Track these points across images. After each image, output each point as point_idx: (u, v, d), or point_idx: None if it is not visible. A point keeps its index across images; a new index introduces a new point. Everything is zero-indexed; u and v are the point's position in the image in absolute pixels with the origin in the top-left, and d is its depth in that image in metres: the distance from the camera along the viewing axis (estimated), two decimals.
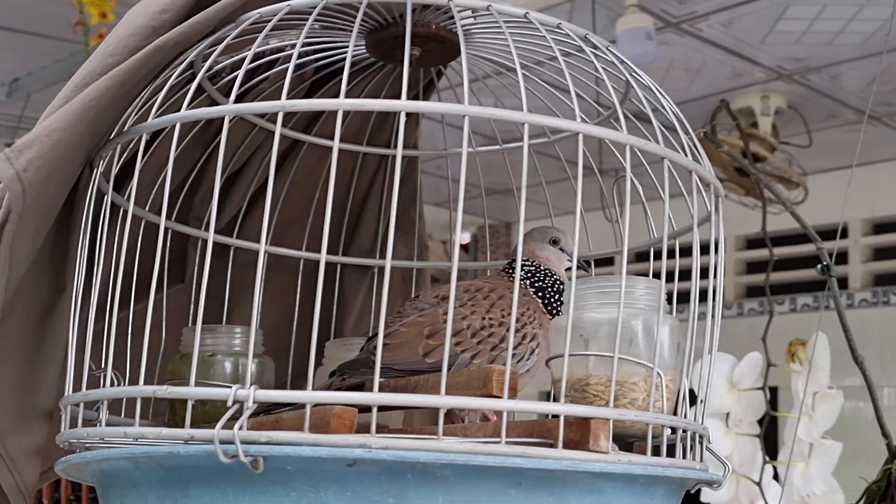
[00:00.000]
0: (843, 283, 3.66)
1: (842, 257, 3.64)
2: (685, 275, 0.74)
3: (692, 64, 2.79)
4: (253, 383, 0.61)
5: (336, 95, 0.66)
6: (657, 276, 0.73)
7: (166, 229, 0.91)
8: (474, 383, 0.68)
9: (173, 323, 0.92)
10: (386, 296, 0.62)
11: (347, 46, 0.71)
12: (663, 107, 0.78)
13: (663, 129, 0.75)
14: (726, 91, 2.95)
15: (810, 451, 1.21)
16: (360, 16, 0.73)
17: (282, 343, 1.00)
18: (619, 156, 0.70)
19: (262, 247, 0.64)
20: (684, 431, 0.72)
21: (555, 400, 0.71)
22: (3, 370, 0.79)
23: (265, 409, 0.73)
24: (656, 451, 0.69)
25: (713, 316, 0.76)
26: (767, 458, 1.23)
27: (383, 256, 1.05)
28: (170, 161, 0.70)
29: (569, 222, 0.86)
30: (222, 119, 0.67)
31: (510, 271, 0.88)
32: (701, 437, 0.74)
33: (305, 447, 0.59)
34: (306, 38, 0.84)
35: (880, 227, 3.68)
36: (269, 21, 0.74)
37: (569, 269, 0.89)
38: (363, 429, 0.61)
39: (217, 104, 0.87)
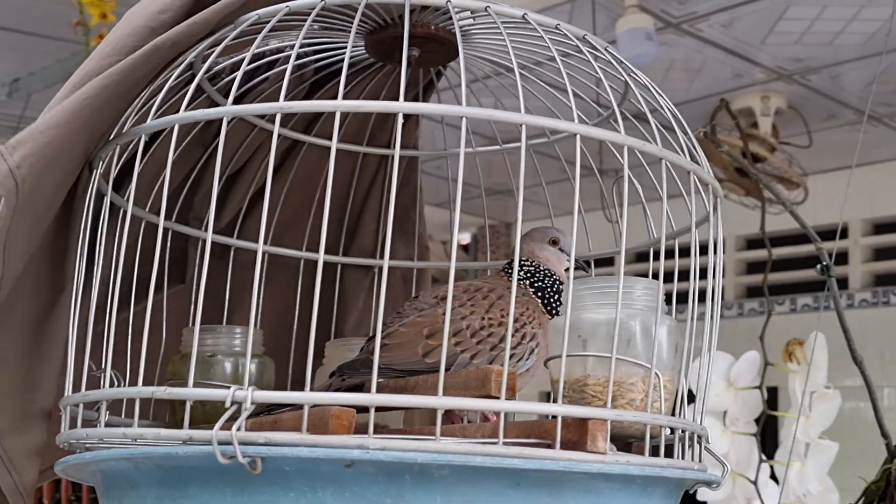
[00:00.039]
0: (843, 283, 3.66)
1: (842, 257, 3.64)
2: (686, 275, 0.74)
3: (692, 64, 2.79)
4: (253, 384, 0.61)
5: (336, 96, 0.66)
6: (657, 276, 0.74)
7: (167, 230, 0.91)
8: (473, 384, 0.68)
9: (174, 323, 0.92)
10: (384, 296, 0.62)
11: (347, 47, 0.71)
12: (662, 107, 0.79)
13: (662, 129, 0.75)
14: (726, 91, 2.95)
15: (807, 451, 1.21)
16: (358, 16, 0.73)
17: (283, 343, 1.00)
18: (618, 156, 0.70)
19: (260, 247, 0.64)
20: (683, 432, 0.72)
21: (553, 400, 0.71)
22: (2, 370, 0.79)
23: (265, 409, 0.74)
24: (655, 452, 0.69)
25: (712, 317, 0.76)
26: (764, 457, 1.23)
27: (384, 257, 1.05)
28: (168, 162, 0.70)
29: (569, 222, 0.86)
30: (222, 120, 0.68)
31: (510, 271, 0.88)
32: (699, 437, 0.74)
33: (303, 448, 0.59)
34: (307, 38, 0.85)
35: (880, 228, 3.68)
36: (268, 22, 0.74)
37: (568, 269, 0.90)
38: (363, 429, 0.61)
39: (217, 105, 0.87)
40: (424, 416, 0.87)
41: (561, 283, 0.87)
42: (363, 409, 0.63)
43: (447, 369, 0.75)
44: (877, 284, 3.66)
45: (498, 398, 0.65)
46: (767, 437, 1.28)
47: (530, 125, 0.66)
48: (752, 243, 3.93)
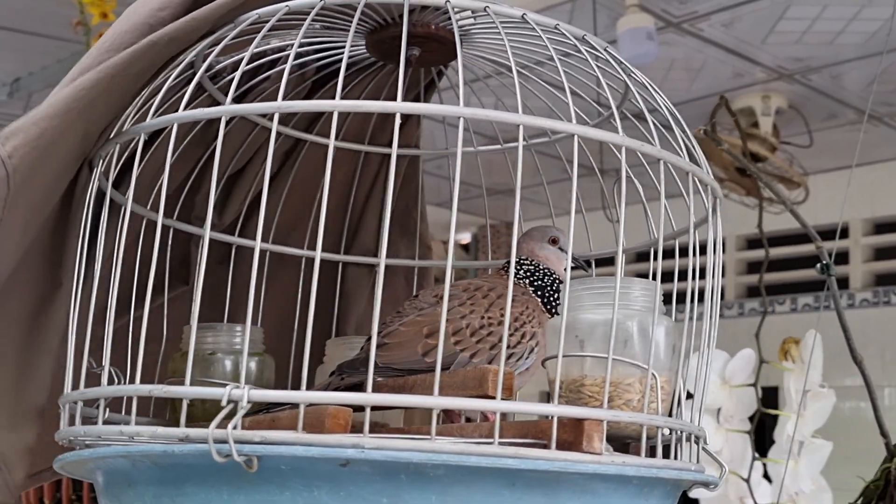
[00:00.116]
0: (843, 283, 3.66)
1: (843, 257, 3.64)
2: (686, 275, 0.74)
3: (693, 64, 2.79)
4: (252, 382, 0.61)
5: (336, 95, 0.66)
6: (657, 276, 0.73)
7: (170, 229, 0.91)
8: (470, 383, 0.68)
9: (177, 323, 0.92)
10: (380, 295, 0.62)
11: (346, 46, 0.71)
12: (661, 106, 0.78)
13: (662, 129, 0.75)
14: (727, 91, 2.95)
15: (800, 450, 1.21)
16: (357, 16, 0.73)
17: (285, 343, 1.00)
18: (618, 156, 0.70)
19: (258, 245, 0.64)
20: (680, 432, 0.72)
21: (550, 401, 0.71)
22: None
23: (265, 407, 0.74)
24: (653, 453, 0.69)
25: (710, 317, 0.76)
26: (757, 455, 1.23)
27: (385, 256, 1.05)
28: (167, 160, 0.70)
29: (569, 222, 0.86)
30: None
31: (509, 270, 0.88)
32: (697, 437, 0.74)
33: (299, 447, 0.59)
34: (309, 38, 0.85)
35: (881, 227, 3.68)
36: (268, 21, 0.74)
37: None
38: (362, 428, 0.61)
39: (218, 103, 0.87)
40: (424, 414, 0.87)
41: (561, 283, 0.87)
42: (362, 408, 0.64)
43: (447, 368, 0.75)
44: (877, 284, 3.66)
45: (495, 398, 0.65)
46: (761, 434, 1.28)
47: (529, 125, 0.66)
48: (753, 243, 3.93)
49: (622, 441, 0.73)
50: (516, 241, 0.67)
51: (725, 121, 2.62)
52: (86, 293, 0.77)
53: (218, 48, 0.77)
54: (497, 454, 0.60)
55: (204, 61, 0.77)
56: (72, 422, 0.73)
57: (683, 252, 0.79)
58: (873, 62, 2.68)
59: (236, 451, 0.59)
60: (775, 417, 1.27)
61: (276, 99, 0.66)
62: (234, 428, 0.59)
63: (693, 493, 0.75)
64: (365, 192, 1.09)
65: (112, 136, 0.77)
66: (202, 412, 0.80)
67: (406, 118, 1.05)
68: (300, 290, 1.01)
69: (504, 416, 0.63)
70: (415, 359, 0.77)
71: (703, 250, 0.75)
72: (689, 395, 0.78)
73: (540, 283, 0.87)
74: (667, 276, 0.72)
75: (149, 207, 0.87)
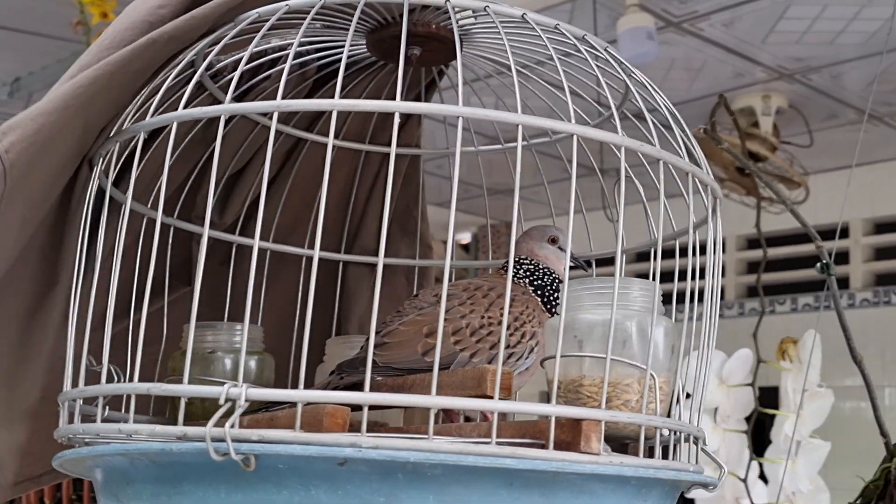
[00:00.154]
0: (844, 282, 3.65)
1: (843, 257, 3.64)
2: (686, 275, 0.74)
3: (693, 63, 2.79)
4: (251, 381, 0.61)
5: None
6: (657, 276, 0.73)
7: (171, 228, 0.91)
8: (469, 383, 0.68)
9: (178, 322, 0.92)
10: (378, 294, 0.62)
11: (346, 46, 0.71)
12: (661, 106, 0.78)
13: (662, 129, 0.75)
14: (727, 91, 2.95)
15: (798, 449, 1.21)
16: (357, 15, 0.73)
17: (286, 342, 1.00)
18: (619, 156, 0.70)
19: (257, 243, 0.64)
20: (678, 433, 0.72)
21: (549, 401, 0.71)
22: None
23: (264, 406, 0.74)
24: (651, 453, 0.69)
25: (710, 317, 0.76)
26: (753, 455, 1.23)
27: (385, 255, 1.05)
28: (167, 159, 0.70)
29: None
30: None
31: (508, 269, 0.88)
32: (696, 438, 0.74)
33: (296, 446, 0.59)
34: (309, 37, 0.85)
35: (881, 227, 3.67)
36: (268, 20, 0.74)
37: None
38: (360, 427, 0.61)
39: (219, 102, 0.87)
40: (424, 414, 0.87)
41: (560, 282, 0.87)
42: (361, 408, 0.63)
43: (447, 368, 0.75)
44: (878, 284, 3.66)
45: (494, 397, 0.65)
46: (765, 435, 1.28)
47: (528, 125, 0.66)
48: (753, 243, 3.93)
49: (621, 441, 0.73)
50: (516, 240, 0.67)
51: (725, 120, 2.62)
52: (85, 291, 0.77)
53: (218, 47, 0.77)
54: (494, 454, 0.60)
55: (204, 60, 0.77)
56: (71, 420, 0.73)
57: (683, 252, 0.79)
58: (873, 62, 2.68)
59: (234, 450, 0.59)
60: (774, 417, 1.27)
61: (275, 98, 0.66)
62: (232, 426, 0.59)
63: (691, 494, 0.74)
64: (366, 192, 1.09)
65: (112, 134, 0.77)
66: (202, 411, 0.80)
67: (406, 118, 1.05)
68: (300, 289, 1.01)
69: (503, 415, 0.63)
70: (414, 358, 0.77)
71: (702, 250, 0.75)
72: (688, 396, 0.78)
73: (540, 282, 0.87)
74: (666, 276, 0.72)
75: (149, 206, 0.87)
